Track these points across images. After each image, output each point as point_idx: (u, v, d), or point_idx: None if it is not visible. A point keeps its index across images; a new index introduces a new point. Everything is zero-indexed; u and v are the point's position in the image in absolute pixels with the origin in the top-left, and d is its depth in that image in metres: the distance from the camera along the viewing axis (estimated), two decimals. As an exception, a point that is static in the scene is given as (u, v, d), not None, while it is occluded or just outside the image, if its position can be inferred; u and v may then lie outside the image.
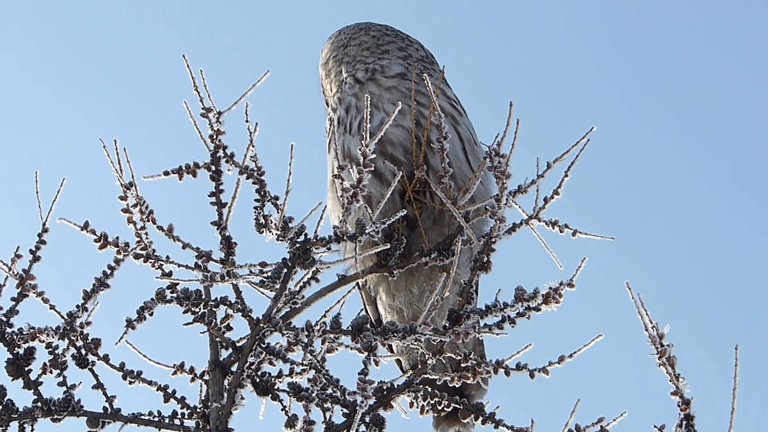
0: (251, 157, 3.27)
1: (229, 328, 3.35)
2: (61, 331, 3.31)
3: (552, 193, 3.28)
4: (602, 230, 3.33)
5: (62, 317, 3.32)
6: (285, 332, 3.23)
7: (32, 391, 3.32)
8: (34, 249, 3.32)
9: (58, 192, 3.31)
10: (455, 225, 3.39)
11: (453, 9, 8.60)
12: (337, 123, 3.74)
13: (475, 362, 3.26)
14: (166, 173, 3.28)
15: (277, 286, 3.22)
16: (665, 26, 8.95)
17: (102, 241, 3.25)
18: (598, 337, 3.18)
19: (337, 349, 3.30)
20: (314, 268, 3.26)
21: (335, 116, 3.78)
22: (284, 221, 3.20)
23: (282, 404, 3.31)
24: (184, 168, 3.29)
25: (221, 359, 3.34)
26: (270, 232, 3.21)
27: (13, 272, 3.30)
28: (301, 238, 3.20)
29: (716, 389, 3.25)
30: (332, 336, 3.25)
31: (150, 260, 3.26)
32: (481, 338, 3.69)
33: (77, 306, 3.32)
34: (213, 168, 3.28)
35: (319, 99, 4.09)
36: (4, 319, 3.31)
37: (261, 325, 3.23)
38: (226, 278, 3.24)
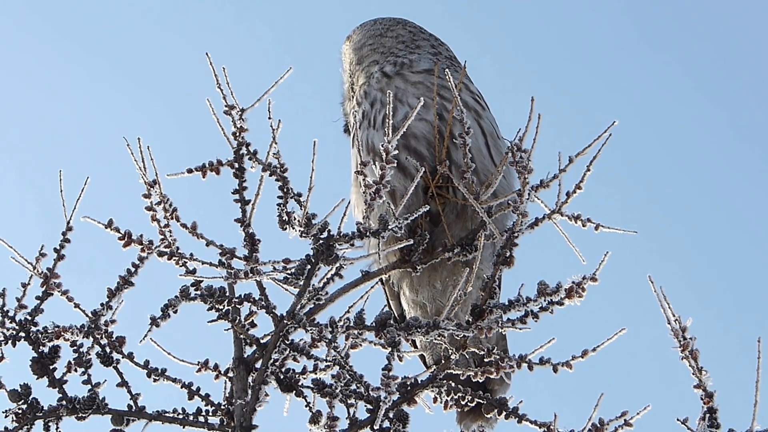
0: (274, 154, 3.27)
1: (253, 325, 3.35)
2: (85, 329, 3.33)
3: (574, 187, 3.27)
4: (625, 224, 3.33)
5: (87, 315, 3.33)
6: (309, 329, 3.23)
7: (57, 389, 3.34)
8: (58, 248, 3.34)
9: (82, 191, 3.33)
10: (478, 220, 3.40)
11: (474, 3, 8.61)
12: (362, 117, 3.75)
13: (498, 357, 3.26)
14: (190, 171, 3.28)
15: (301, 283, 3.23)
16: (690, 17, 8.94)
17: (126, 239, 3.26)
18: (621, 331, 3.18)
19: (360, 345, 3.30)
20: (338, 265, 3.27)
21: (360, 110, 3.79)
22: (307, 218, 3.20)
23: (306, 400, 3.32)
24: (207, 165, 3.29)
25: (245, 356, 3.35)
26: (293, 228, 3.21)
27: (38, 271, 3.32)
28: (325, 234, 3.21)
29: (739, 382, 3.25)
30: (356, 332, 3.26)
31: (174, 258, 3.26)
32: (504, 333, 3.69)
33: (102, 304, 3.34)
34: (236, 165, 3.29)
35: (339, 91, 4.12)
36: (29, 318, 3.33)
37: (285, 321, 3.24)
38: (250, 275, 3.25)
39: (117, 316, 3.35)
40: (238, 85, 3.27)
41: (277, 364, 3.30)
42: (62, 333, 3.33)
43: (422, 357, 3.80)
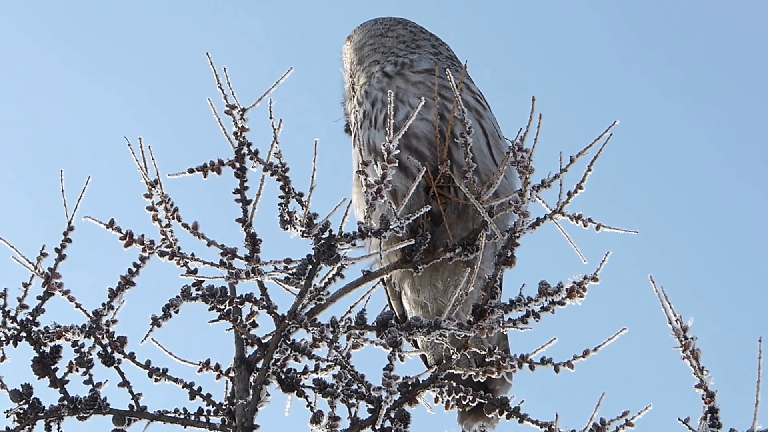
0: (275, 153, 3.27)
1: (254, 325, 3.35)
2: (87, 329, 3.33)
3: (575, 187, 3.27)
4: (625, 224, 3.33)
5: (88, 315, 3.33)
6: (310, 329, 3.24)
7: (58, 389, 3.34)
8: (59, 247, 3.34)
9: (84, 190, 3.33)
10: (479, 220, 3.40)
11: (474, 3, 8.61)
12: (363, 117, 3.75)
13: (499, 357, 3.26)
14: (191, 171, 3.28)
15: (302, 283, 3.23)
16: (689, 17, 8.94)
17: (127, 239, 3.26)
18: (622, 331, 3.18)
19: (362, 345, 3.30)
20: (339, 264, 3.27)
21: (361, 110, 3.79)
22: (309, 218, 3.20)
23: (307, 400, 3.32)
24: (208, 165, 3.29)
25: (247, 356, 3.35)
26: (295, 228, 3.21)
27: (39, 271, 3.32)
28: (326, 234, 3.20)
29: (740, 382, 3.25)
30: (357, 332, 3.26)
31: (175, 258, 3.26)
32: (505, 333, 3.69)
33: (103, 304, 3.34)
34: (237, 165, 3.29)
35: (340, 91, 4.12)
36: (31, 318, 3.33)
37: (286, 321, 3.24)
38: (251, 275, 3.25)
39: (118, 316, 3.35)
40: (238, 85, 3.28)
41: (278, 364, 3.30)
42: (63, 333, 3.33)
43: (423, 357, 3.79)
